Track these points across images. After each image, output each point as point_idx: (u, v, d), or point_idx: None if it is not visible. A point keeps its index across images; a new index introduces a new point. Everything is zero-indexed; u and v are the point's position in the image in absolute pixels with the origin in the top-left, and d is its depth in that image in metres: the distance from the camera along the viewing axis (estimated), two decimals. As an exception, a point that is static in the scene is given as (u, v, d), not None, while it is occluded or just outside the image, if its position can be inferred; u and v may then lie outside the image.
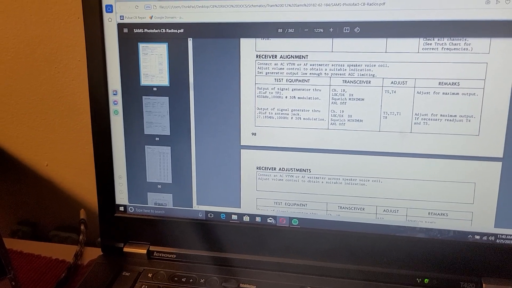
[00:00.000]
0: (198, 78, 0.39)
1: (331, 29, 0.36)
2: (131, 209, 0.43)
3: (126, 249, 0.43)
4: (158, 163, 0.41)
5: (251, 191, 0.40)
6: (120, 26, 0.39)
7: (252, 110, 0.39)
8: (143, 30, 0.39)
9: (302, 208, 0.40)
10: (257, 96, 0.38)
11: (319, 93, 0.37)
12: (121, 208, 0.43)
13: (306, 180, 0.39)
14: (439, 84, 0.35)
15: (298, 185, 0.40)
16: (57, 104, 0.55)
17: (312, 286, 0.39)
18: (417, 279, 0.39)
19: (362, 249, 0.39)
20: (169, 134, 0.41)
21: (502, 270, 0.38)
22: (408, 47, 0.35)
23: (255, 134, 0.39)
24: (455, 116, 0.36)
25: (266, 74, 0.38)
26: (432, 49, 0.35)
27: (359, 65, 0.36)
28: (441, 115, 0.36)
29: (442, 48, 0.35)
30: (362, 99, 0.37)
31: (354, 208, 0.39)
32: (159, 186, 0.42)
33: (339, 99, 0.37)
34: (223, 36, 0.38)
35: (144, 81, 0.40)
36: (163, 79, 0.39)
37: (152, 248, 0.43)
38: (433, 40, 0.35)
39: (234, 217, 0.41)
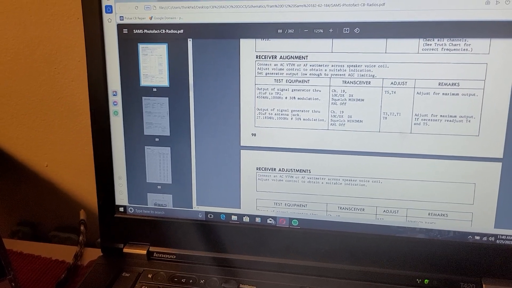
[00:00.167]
0: (198, 79, 0.39)
1: (331, 30, 0.36)
2: (131, 209, 0.43)
3: (126, 250, 0.43)
4: (158, 164, 0.41)
5: (251, 191, 0.40)
6: (120, 27, 0.39)
7: (252, 111, 0.39)
8: (143, 30, 0.39)
9: (302, 208, 0.40)
10: (257, 97, 0.38)
11: (319, 94, 0.37)
12: (121, 209, 0.43)
13: (306, 181, 0.39)
14: (439, 84, 0.35)
15: (298, 185, 0.39)
16: (56, 105, 0.55)
17: (312, 287, 0.39)
18: (417, 279, 0.39)
19: (362, 249, 0.39)
20: (169, 134, 0.41)
21: (502, 271, 0.38)
22: (408, 48, 0.35)
23: (255, 134, 0.39)
24: (455, 116, 0.36)
25: (266, 74, 0.38)
26: (432, 49, 0.35)
27: (359, 65, 0.36)
28: (441, 116, 0.36)
29: (442, 48, 0.35)
30: (362, 100, 0.37)
31: (354, 208, 0.39)
32: (159, 187, 0.42)
33: (339, 99, 0.37)
34: (223, 37, 0.38)
35: (144, 82, 0.40)
36: (163, 80, 0.39)
37: (152, 248, 0.43)
38: (433, 40, 0.35)
39: (234, 217, 0.41)
